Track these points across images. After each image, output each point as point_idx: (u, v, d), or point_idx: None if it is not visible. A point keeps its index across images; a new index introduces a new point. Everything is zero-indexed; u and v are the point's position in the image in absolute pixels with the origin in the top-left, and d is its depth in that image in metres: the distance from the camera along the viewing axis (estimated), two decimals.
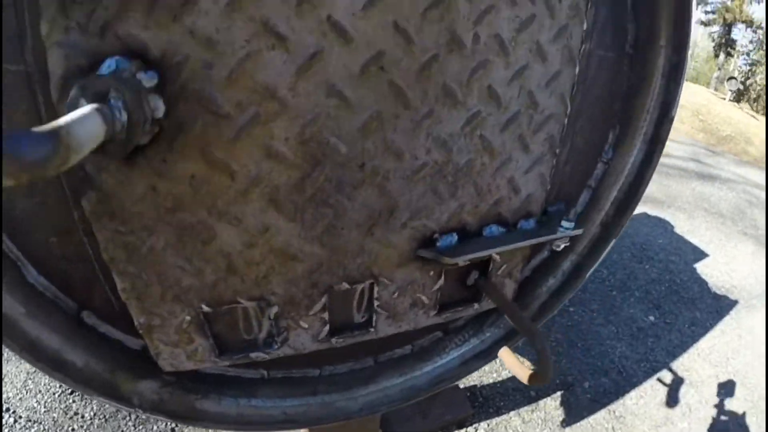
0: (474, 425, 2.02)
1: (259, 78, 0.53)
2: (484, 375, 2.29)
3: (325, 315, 0.80)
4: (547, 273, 1.10)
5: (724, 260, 4.18)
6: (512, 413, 2.10)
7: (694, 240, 4.31)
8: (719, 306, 3.35)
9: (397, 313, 0.90)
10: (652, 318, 3.00)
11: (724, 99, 13.04)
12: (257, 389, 0.93)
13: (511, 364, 0.98)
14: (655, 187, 5.44)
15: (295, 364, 0.97)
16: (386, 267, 0.78)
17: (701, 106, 10.29)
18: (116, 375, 0.81)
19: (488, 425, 2.03)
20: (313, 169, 0.59)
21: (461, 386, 2.20)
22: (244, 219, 0.61)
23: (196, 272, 0.64)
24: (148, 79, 0.50)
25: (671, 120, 1.00)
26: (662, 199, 5.16)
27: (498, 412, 2.10)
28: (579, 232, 0.89)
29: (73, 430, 2.04)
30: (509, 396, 2.20)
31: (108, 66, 0.49)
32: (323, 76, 0.55)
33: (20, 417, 2.10)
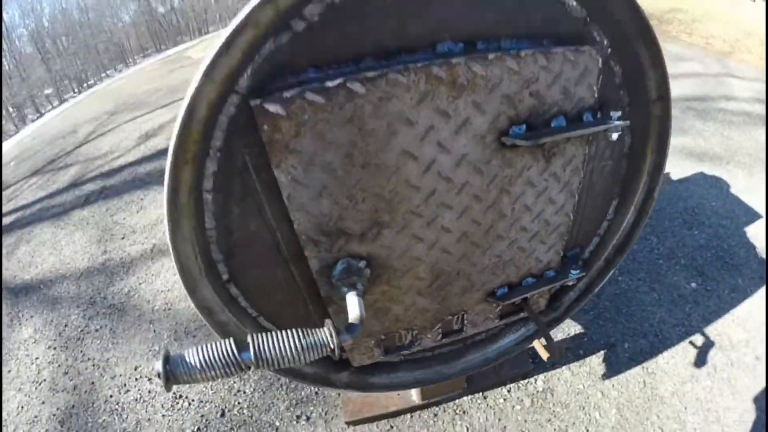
0: (534, 377, 2.71)
1: (413, 255, 1.19)
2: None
3: (440, 330, 1.49)
4: (569, 290, 1.71)
5: None
6: (564, 368, 2.74)
7: (750, 200, 4.24)
8: (764, 272, 3.46)
9: (476, 323, 1.57)
10: (693, 285, 3.30)
11: None
12: (399, 367, 1.68)
13: (537, 346, 1.64)
14: (715, 140, 5.31)
15: (419, 351, 1.69)
16: (470, 306, 1.45)
17: None
18: (329, 373, 1.57)
19: (545, 377, 2.70)
20: (436, 279, 1.26)
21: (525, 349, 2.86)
22: (404, 301, 1.30)
23: (380, 324, 1.35)
24: (363, 264, 1.17)
25: (654, 198, 1.51)
26: (721, 153, 5.04)
27: (552, 368, 2.75)
28: (582, 275, 1.49)
29: (238, 403, 2.76)
30: (562, 355, 2.86)
31: (342, 263, 1.14)
32: (439, 246, 1.20)
33: (193, 400, 2.83)
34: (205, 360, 0.84)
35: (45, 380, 3.18)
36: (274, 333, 0.88)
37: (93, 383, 3.13)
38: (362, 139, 0.95)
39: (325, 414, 2.64)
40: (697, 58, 8.01)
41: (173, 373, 0.83)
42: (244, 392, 2.86)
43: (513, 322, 1.78)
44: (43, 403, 3.04)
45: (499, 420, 2.48)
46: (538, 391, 2.61)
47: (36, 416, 2.97)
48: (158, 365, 0.83)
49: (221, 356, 0.85)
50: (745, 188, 4.49)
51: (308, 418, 2.66)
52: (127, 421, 2.86)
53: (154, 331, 3.46)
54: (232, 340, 0.86)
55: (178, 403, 2.91)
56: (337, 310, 1.25)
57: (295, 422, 2.64)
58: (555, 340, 2.74)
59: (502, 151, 1.06)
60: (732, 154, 5.03)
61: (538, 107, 1.05)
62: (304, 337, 0.88)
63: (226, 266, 1.15)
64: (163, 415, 2.86)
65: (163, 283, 3.91)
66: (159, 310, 3.64)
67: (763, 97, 6.56)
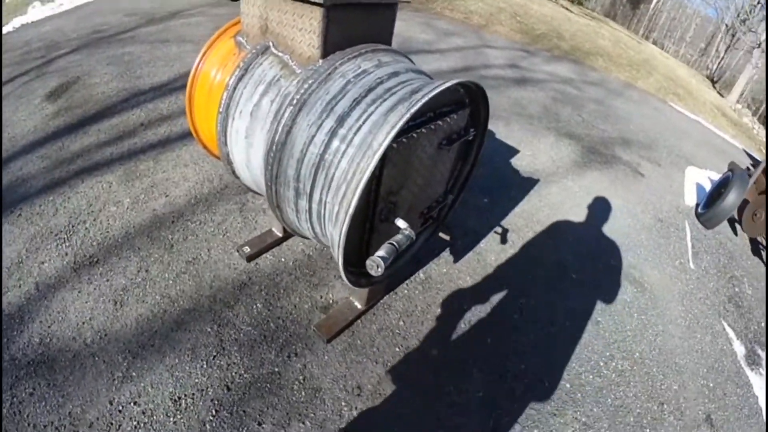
0: (416, 273, 4.77)
1: (407, 199, 3.20)
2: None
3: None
4: (446, 206, 3.99)
5: (530, 153, 7.04)
6: (430, 263, 4.33)
7: (510, 141, 7.23)
8: (527, 185, 6.18)
9: (415, 228, 3.66)
10: (486, 200, 5.74)
11: None
12: None
13: (442, 235, 3.91)
14: None
15: None
16: (415, 220, 3.54)
17: (519, 6, 13.28)
18: (359, 278, 3.42)
19: (422, 271, 4.41)
20: (410, 209, 3.29)
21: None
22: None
23: None
24: (392, 205, 3.12)
25: (478, 161, 3.85)
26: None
27: (423, 264, 4.68)
28: (453, 198, 3.77)
29: (236, 372, 3.30)
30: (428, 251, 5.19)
31: (388, 204, 3.09)
32: (414, 195, 3.24)
33: (193, 395, 3.15)
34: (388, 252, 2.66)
35: None
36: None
37: None
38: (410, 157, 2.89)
39: (305, 345, 3.56)
40: (460, 32, 11.35)
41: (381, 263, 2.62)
42: (234, 363, 3.40)
43: (425, 228, 3.97)
44: None
45: (410, 301, 4.08)
46: (422, 279, 4.33)
47: None
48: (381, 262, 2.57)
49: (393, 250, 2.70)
50: (505, 135, 7.42)
51: (296, 354, 3.51)
52: None
53: (104, 361, 3.34)
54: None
55: (179, 404, 3.11)
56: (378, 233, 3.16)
57: (288, 360, 3.44)
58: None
59: (440, 150, 3.15)
60: (494, 111, 7.92)
61: (451, 131, 3.17)
62: (407, 235, 2.83)
63: None
64: (174, 422, 3.03)
65: (79, 315, 3.66)
66: (93, 341, 3.46)
67: (513, 61, 10.04)
